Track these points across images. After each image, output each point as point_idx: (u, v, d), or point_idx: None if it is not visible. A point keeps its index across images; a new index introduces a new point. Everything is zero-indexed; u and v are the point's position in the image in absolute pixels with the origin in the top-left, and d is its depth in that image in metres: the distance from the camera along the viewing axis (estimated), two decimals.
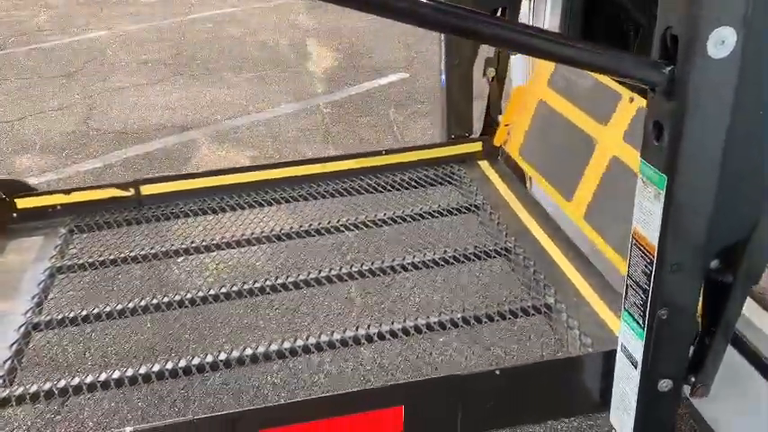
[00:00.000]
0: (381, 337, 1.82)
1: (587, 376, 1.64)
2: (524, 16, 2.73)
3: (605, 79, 2.03)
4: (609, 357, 1.62)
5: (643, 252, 1.41)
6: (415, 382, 1.60)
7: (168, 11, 8.54)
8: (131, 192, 2.47)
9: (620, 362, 1.58)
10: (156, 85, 6.13)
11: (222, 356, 1.76)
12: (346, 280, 2.09)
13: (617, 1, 2.87)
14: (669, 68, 1.19)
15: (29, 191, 2.41)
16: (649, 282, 1.40)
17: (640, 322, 1.46)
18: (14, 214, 2.39)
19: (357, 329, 1.83)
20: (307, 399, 1.51)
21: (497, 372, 1.57)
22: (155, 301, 2.01)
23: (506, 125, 2.62)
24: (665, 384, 1.50)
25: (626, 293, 1.51)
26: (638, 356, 1.50)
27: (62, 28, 7.90)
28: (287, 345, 1.79)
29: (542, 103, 2.32)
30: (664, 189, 1.29)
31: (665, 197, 1.29)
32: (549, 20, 3.11)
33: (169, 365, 1.74)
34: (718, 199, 1.28)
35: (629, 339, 1.52)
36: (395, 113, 5.44)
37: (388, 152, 2.67)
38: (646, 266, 1.41)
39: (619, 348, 1.58)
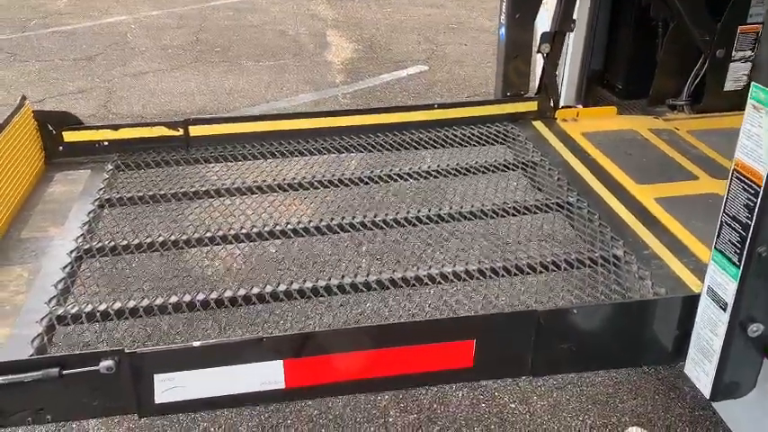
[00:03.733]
0: (444, 278, 1.76)
1: (664, 322, 1.57)
2: (552, 3, 2.66)
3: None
4: (689, 303, 1.55)
5: (747, 184, 1.33)
6: (489, 315, 1.53)
7: None
8: (180, 131, 2.41)
9: (705, 306, 1.51)
10: (176, 70, 6.05)
11: (282, 288, 1.70)
12: (404, 225, 2.03)
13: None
14: None
15: (77, 124, 2.35)
16: (751, 216, 1.33)
17: (735, 261, 1.39)
18: (61, 147, 2.34)
19: (418, 270, 1.77)
20: (378, 324, 1.45)
21: (575, 311, 1.51)
22: (208, 235, 1.95)
23: (577, 113, 2.65)
24: (755, 329, 1.43)
25: (719, 231, 1.44)
26: (729, 298, 1.43)
27: (83, 12, 7.85)
28: (347, 280, 1.73)
29: (634, 132, 2.56)
30: None
31: None
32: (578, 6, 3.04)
33: (227, 294, 1.68)
34: None
35: (720, 280, 1.45)
36: None
37: (440, 106, 2.60)
38: (749, 199, 1.34)
39: (704, 292, 1.51)
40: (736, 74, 2.67)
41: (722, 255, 1.44)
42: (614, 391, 2.45)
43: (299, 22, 7.59)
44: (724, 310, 1.45)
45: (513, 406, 2.40)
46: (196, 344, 1.40)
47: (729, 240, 1.41)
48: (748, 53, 2.64)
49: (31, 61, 6.28)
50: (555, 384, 2.46)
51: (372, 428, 2.30)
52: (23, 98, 2.24)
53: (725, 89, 2.67)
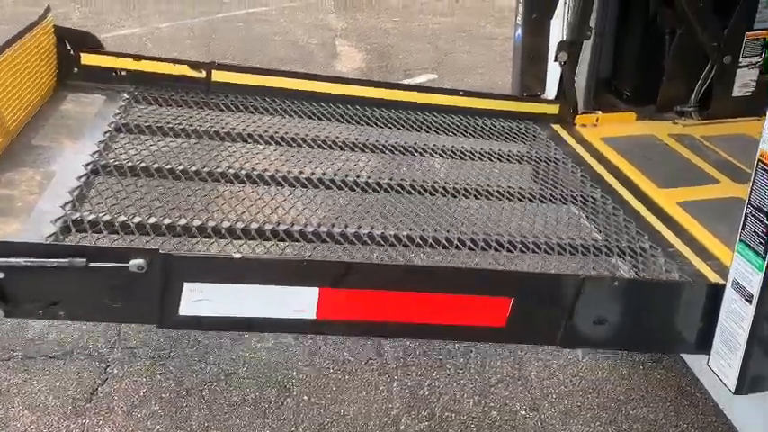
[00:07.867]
0: (475, 244, 1.74)
1: (692, 310, 1.57)
2: (558, 15, 2.70)
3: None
4: (716, 292, 1.56)
5: None
6: (533, 273, 1.51)
7: (199, 9, 8.35)
8: (202, 73, 2.35)
9: (730, 298, 1.53)
10: None
11: (310, 228, 1.65)
12: (433, 194, 2.01)
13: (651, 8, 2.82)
14: None
15: (97, 47, 2.26)
16: None
17: (760, 252, 1.41)
18: (76, 69, 2.24)
19: (448, 232, 1.76)
20: (423, 265, 1.41)
21: (616, 282, 1.51)
22: (219, 170, 1.90)
23: (597, 118, 2.67)
24: None
25: (744, 223, 1.45)
26: (755, 290, 1.44)
27: (96, 25, 7.59)
28: (377, 231, 1.69)
29: (654, 137, 2.58)
30: None
31: None
32: None
33: (254, 226, 1.63)
34: None
35: (745, 272, 1.46)
36: None
37: (465, 93, 2.61)
38: None
39: (729, 284, 1.53)
40: (744, 80, 2.67)
41: (747, 246, 1.45)
42: (626, 398, 2.44)
43: (309, 33, 7.53)
44: (749, 302, 1.47)
45: (523, 413, 2.37)
46: (236, 255, 1.33)
47: (754, 231, 1.42)
48: (755, 59, 2.64)
49: None
50: (565, 391, 2.46)
51: None
52: (48, 9, 2.14)
53: (733, 95, 2.68)
